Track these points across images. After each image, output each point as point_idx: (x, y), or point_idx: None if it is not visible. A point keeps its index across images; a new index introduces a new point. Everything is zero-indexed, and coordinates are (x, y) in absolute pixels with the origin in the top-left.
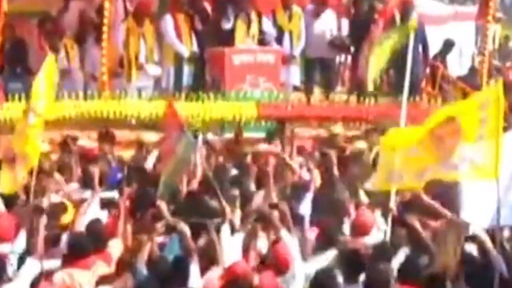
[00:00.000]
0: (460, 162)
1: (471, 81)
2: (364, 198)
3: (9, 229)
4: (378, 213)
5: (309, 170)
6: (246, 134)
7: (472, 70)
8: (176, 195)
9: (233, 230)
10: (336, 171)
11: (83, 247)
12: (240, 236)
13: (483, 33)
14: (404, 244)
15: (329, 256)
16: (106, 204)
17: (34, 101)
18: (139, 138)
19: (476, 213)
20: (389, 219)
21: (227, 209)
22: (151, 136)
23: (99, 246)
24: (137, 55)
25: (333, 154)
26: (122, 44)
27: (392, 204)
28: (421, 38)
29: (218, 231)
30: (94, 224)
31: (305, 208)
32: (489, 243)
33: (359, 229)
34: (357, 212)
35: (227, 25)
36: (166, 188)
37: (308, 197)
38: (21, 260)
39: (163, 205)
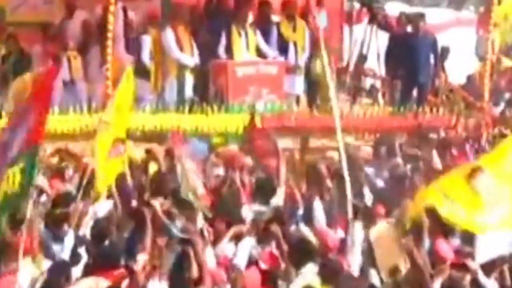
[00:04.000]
0: None
1: (471, 89)
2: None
3: None
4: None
5: None
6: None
7: (473, 77)
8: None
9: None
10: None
11: (113, 258)
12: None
13: (484, 40)
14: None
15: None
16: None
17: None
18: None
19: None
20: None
21: None
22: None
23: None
24: None
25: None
26: (149, 55)
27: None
28: (433, 49)
29: None
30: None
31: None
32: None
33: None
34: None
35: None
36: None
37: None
38: None
39: (157, 205)
